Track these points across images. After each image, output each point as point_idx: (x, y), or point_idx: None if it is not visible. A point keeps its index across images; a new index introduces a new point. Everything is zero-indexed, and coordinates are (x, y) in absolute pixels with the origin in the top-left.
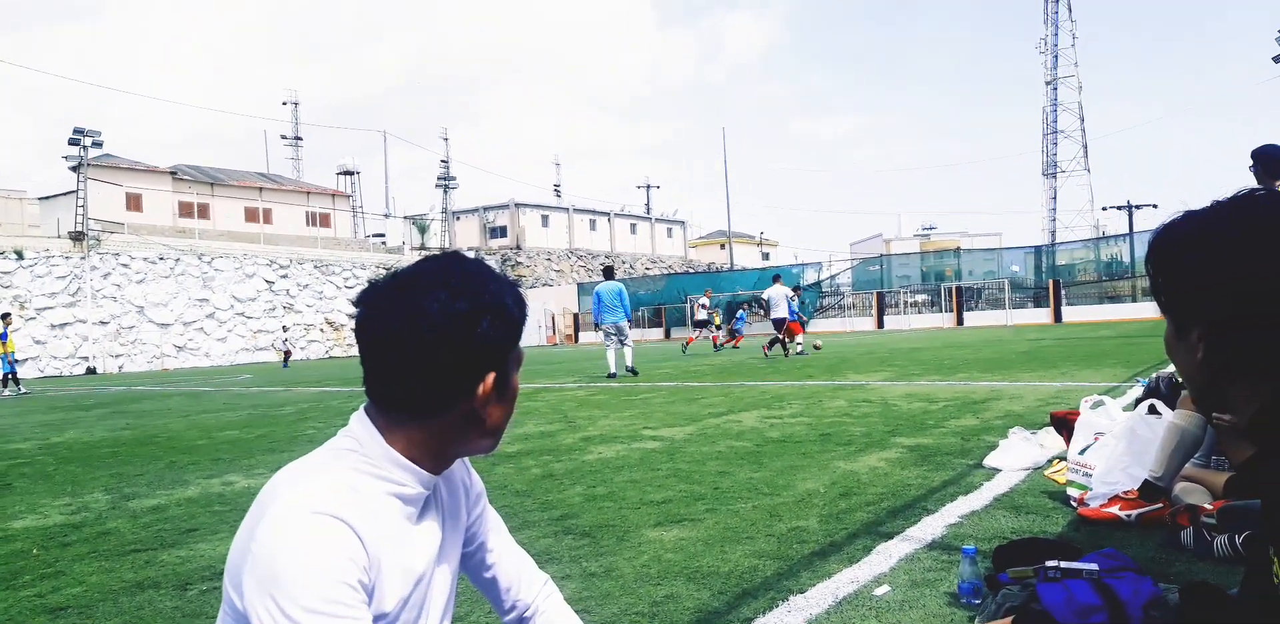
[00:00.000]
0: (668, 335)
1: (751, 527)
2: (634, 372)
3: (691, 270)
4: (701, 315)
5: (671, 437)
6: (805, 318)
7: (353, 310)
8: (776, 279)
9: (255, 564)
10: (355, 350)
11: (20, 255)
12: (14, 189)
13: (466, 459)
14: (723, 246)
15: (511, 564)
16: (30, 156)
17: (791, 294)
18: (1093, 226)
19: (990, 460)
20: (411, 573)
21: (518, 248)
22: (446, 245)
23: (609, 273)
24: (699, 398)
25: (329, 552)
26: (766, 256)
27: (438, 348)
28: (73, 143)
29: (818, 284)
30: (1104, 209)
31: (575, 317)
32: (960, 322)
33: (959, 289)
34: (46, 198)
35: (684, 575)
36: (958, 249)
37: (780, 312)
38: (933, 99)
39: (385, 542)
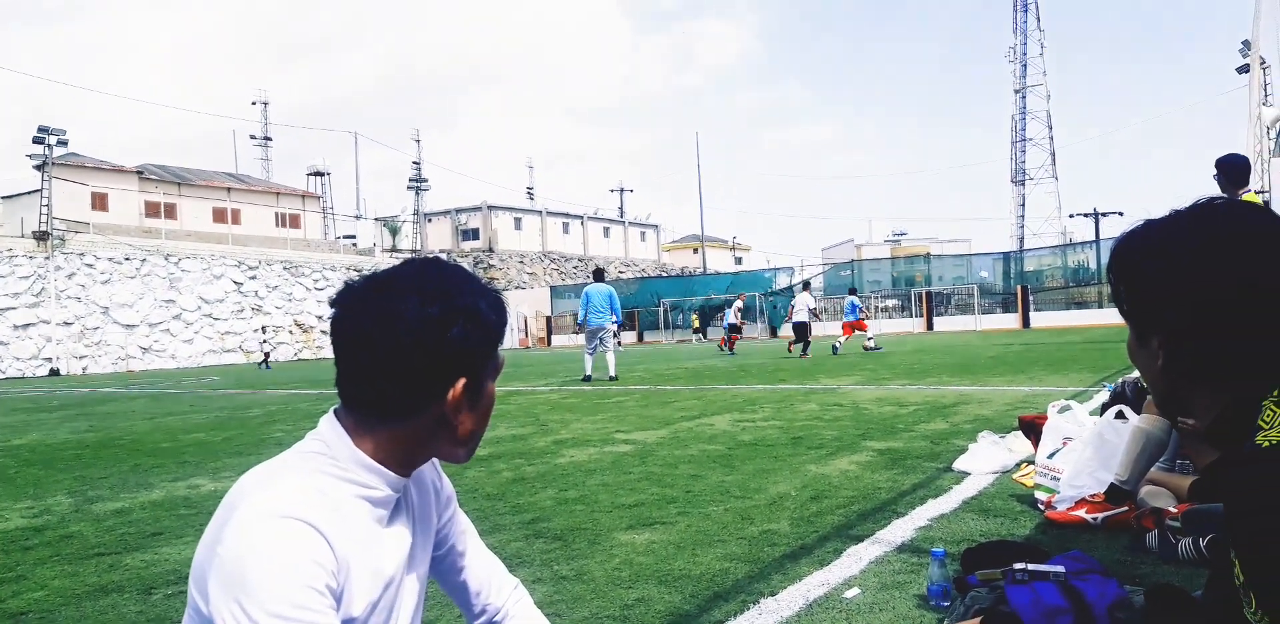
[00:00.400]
0: (640, 338)
1: (723, 530)
2: (614, 378)
3: (665, 274)
4: (733, 318)
5: (644, 440)
6: (863, 315)
7: (324, 312)
8: (805, 286)
9: (221, 568)
10: (325, 352)
11: None
12: None
13: (437, 462)
14: (696, 251)
15: (482, 568)
16: None
17: (853, 298)
18: (1060, 233)
19: (959, 464)
20: (381, 576)
21: (490, 250)
22: (418, 247)
23: (599, 275)
24: (672, 401)
25: (296, 556)
26: (739, 261)
27: (409, 350)
28: (37, 141)
29: (789, 288)
30: (1071, 216)
31: (548, 319)
32: (930, 326)
33: (929, 294)
34: (10, 197)
35: (655, 578)
36: (928, 255)
37: (800, 316)
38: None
39: (354, 545)
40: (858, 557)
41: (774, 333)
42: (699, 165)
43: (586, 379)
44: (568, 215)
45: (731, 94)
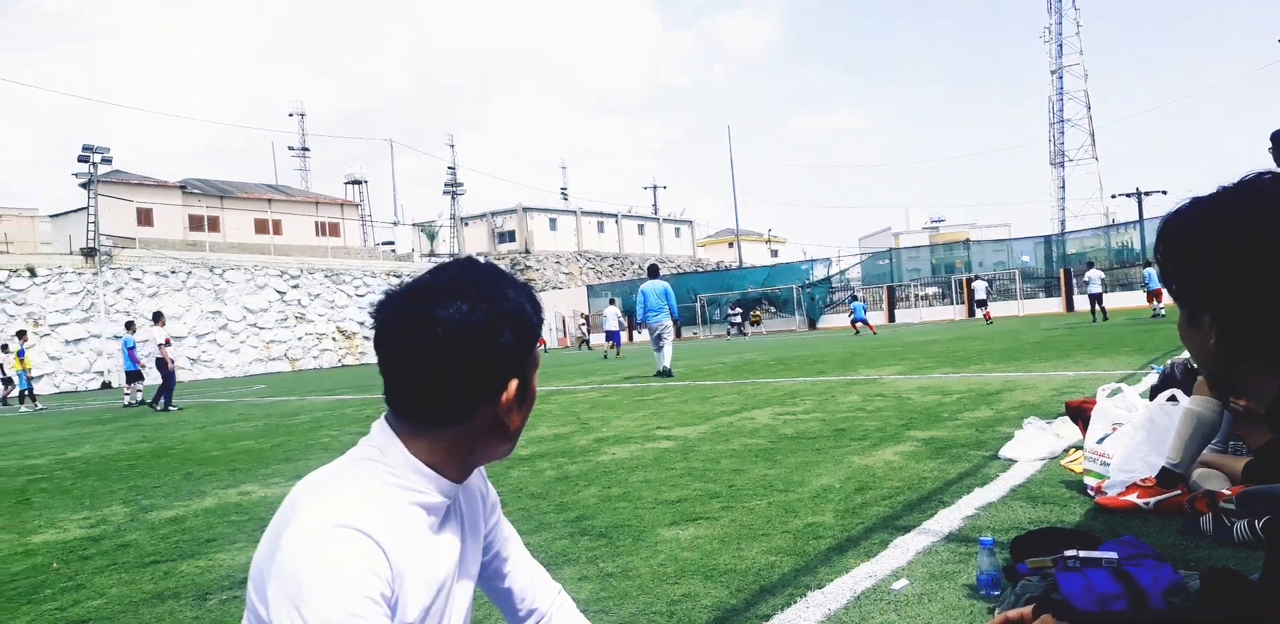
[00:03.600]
0: (678, 334)
1: (767, 524)
2: (668, 373)
3: (700, 269)
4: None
5: (685, 436)
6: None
7: (366, 318)
8: (612, 302)
9: (280, 576)
10: (367, 358)
11: (33, 273)
12: (25, 207)
13: (483, 469)
14: (731, 245)
15: (525, 574)
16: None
17: (858, 303)
18: (1102, 215)
19: (1006, 451)
20: (433, 583)
21: (526, 252)
22: (456, 251)
23: (654, 271)
24: (712, 396)
25: (352, 566)
26: (775, 254)
27: (459, 359)
28: (82, 160)
29: (827, 280)
30: (1113, 197)
31: (586, 319)
32: (972, 313)
33: (970, 281)
34: (58, 215)
35: (701, 574)
36: (967, 241)
37: (612, 325)
38: (937, 91)
39: (408, 552)
40: (905, 548)
41: (812, 325)
42: (731, 159)
43: (663, 373)
44: (602, 214)
45: (761, 85)
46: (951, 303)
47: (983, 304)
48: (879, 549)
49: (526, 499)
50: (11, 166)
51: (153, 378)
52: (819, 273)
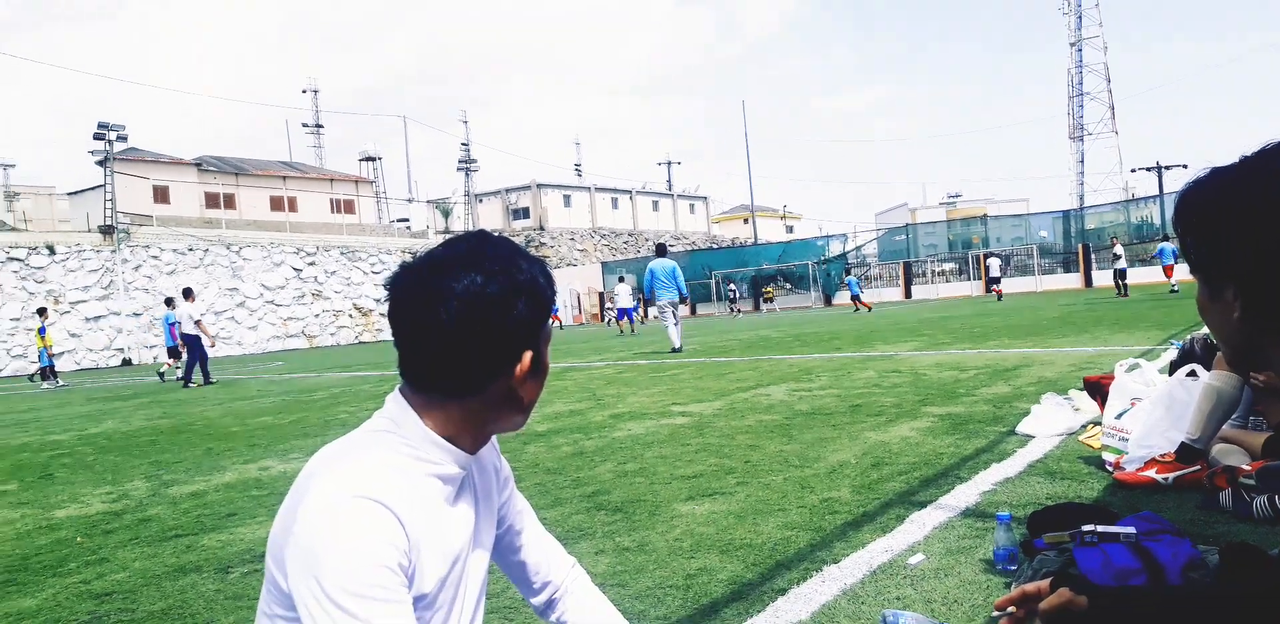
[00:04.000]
0: (693, 311)
1: (783, 499)
2: (678, 349)
3: (715, 246)
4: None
5: (700, 412)
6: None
7: (381, 295)
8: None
9: (298, 547)
10: (384, 335)
11: (52, 250)
12: (43, 186)
13: (496, 443)
14: (746, 221)
15: (539, 547)
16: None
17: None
18: (1122, 189)
19: (1023, 427)
20: (449, 553)
21: (541, 229)
22: (470, 228)
23: (662, 250)
24: (727, 372)
25: (370, 536)
26: (790, 229)
27: (475, 331)
28: (98, 137)
29: (843, 256)
30: (1133, 171)
31: (600, 295)
32: (988, 289)
33: (985, 257)
34: (75, 193)
35: (717, 548)
36: (984, 216)
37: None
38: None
39: (425, 523)
40: (921, 523)
41: (828, 301)
42: (746, 135)
43: (676, 350)
44: (616, 190)
45: (777, 62)
46: (968, 278)
47: (996, 281)
48: (895, 524)
49: (543, 474)
50: (28, 145)
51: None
52: (835, 249)
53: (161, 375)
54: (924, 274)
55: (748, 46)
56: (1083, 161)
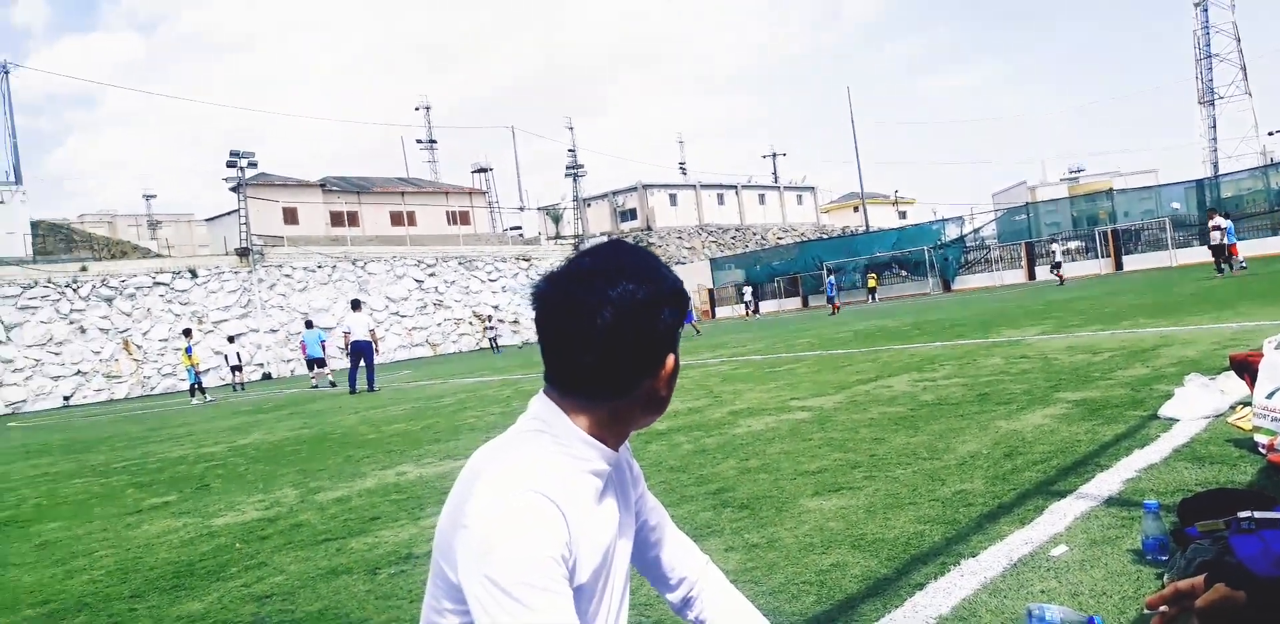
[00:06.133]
0: (805, 303)
1: (913, 492)
2: None
3: (825, 236)
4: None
5: (820, 406)
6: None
7: (498, 302)
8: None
9: (470, 540)
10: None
11: (194, 274)
12: (183, 213)
13: (627, 442)
14: (856, 209)
15: (673, 543)
16: (195, 182)
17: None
18: (1259, 154)
19: (1166, 410)
20: (601, 546)
21: (648, 229)
22: (580, 233)
23: None
24: (845, 365)
25: (538, 529)
26: (904, 215)
27: (628, 337)
28: (230, 165)
29: (960, 239)
30: (1270, 134)
31: (710, 292)
32: (1119, 266)
33: (1115, 232)
34: (212, 218)
35: (848, 543)
36: (1110, 190)
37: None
38: (1070, 36)
39: (582, 517)
40: (1061, 513)
41: (947, 287)
42: (853, 120)
43: None
44: (721, 186)
45: (881, 45)
46: (1096, 256)
47: (1058, 266)
48: (1034, 515)
49: (666, 472)
50: (169, 176)
51: (344, 363)
52: (951, 232)
53: (322, 385)
54: (1047, 254)
55: (850, 31)
56: (1214, 127)
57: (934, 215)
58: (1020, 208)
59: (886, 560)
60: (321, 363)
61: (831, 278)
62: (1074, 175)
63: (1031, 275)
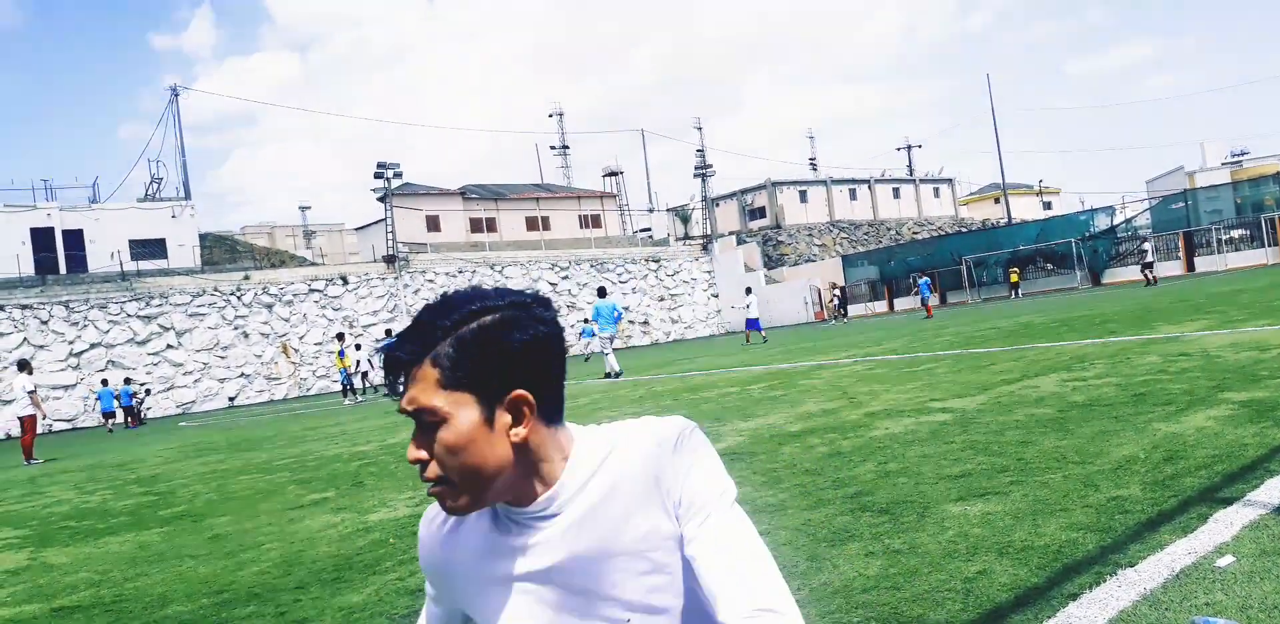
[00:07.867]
0: (944, 300)
1: (1064, 498)
2: (618, 375)
3: (964, 229)
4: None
5: (962, 407)
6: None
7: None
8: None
9: (684, 470)
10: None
11: (345, 281)
12: (335, 223)
13: None
14: (997, 200)
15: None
16: (345, 192)
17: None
18: None
19: None
20: None
21: (777, 227)
22: (708, 232)
23: (602, 292)
24: (987, 364)
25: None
26: (1048, 206)
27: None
28: (377, 176)
29: (1111, 230)
30: None
31: (842, 290)
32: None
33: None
34: (361, 228)
35: (995, 551)
36: (1278, 174)
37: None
38: (1226, 12)
39: None
40: (1227, 522)
41: (1096, 281)
42: (993, 109)
43: (614, 375)
44: (853, 181)
45: (1025, 29)
46: (1263, 246)
47: (1149, 266)
48: (1197, 524)
49: (802, 475)
50: (323, 188)
51: None
52: (1101, 223)
53: None
54: (1208, 244)
55: (992, 17)
56: None
57: (1081, 205)
58: (1177, 195)
59: (1037, 569)
60: None
61: (925, 279)
62: (1237, 159)
63: (1191, 266)
